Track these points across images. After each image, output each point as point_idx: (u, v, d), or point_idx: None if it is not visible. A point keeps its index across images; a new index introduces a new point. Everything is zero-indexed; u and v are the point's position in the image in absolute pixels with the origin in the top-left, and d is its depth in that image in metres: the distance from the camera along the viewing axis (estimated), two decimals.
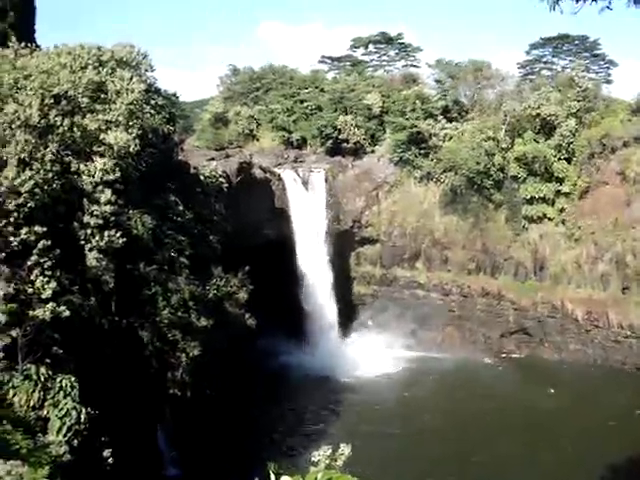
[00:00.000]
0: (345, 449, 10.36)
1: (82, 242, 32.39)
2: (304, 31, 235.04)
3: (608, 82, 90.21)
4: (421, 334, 75.97)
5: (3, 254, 28.05)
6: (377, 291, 78.88)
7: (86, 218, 32.66)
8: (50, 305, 27.69)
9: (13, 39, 37.57)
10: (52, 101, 32.95)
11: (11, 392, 26.44)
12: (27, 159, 30.05)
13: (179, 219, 42.86)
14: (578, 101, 76.55)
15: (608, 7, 14.07)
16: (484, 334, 75.50)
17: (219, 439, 50.18)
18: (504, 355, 74.42)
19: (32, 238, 28.30)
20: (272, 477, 8.14)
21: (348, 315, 76.86)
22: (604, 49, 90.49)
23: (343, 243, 76.70)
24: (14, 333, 26.66)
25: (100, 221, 32.83)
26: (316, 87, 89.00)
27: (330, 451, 10.21)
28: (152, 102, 44.69)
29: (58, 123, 32.43)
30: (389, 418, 58.31)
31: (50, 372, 27.38)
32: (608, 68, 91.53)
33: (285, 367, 66.67)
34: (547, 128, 76.31)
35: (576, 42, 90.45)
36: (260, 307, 49.83)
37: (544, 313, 73.29)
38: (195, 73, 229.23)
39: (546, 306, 73.18)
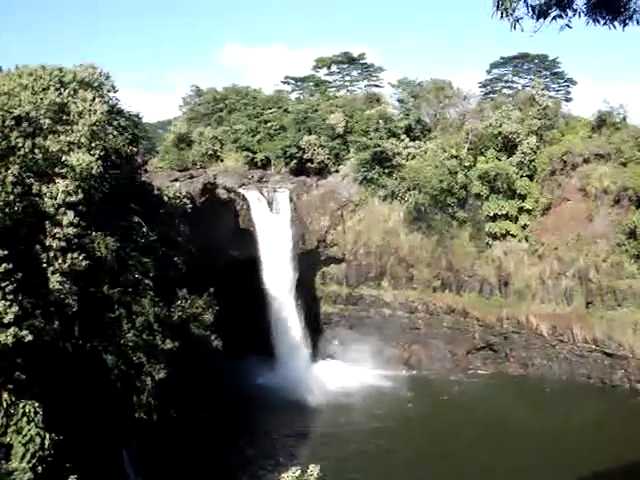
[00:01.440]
0: (314, 470, 10.29)
1: (44, 265, 31.96)
2: (268, 52, 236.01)
3: (568, 100, 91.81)
4: (388, 352, 76.00)
5: None
6: (343, 310, 78.84)
7: (48, 241, 32.27)
8: (12, 329, 27.25)
9: None
10: (13, 122, 32.67)
11: None
12: None
13: (143, 241, 42.49)
14: (539, 119, 77.65)
15: (568, 25, 14.31)
16: (450, 351, 75.78)
17: (186, 463, 49.58)
18: (471, 371, 74.71)
19: None
20: None
21: (315, 335, 76.71)
22: (563, 67, 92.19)
23: (309, 263, 76.63)
24: None
25: (63, 243, 32.45)
26: (280, 107, 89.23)
27: (299, 472, 10.14)
28: (115, 123, 44.39)
29: (19, 145, 32.11)
30: (358, 437, 58.15)
31: (13, 398, 26.92)
32: (567, 86, 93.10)
33: (253, 388, 66.18)
34: (509, 146, 77.28)
35: (536, 61, 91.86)
36: (227, 328, 49.49)
37: (509, 329, 73.78)
38: (159, 95, 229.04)
39: (511, 322, 73.70)
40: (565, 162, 74.08)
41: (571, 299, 71.56)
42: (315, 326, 77.11)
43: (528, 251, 74.87)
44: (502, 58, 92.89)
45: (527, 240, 75.18)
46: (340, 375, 71.11)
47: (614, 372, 68.50)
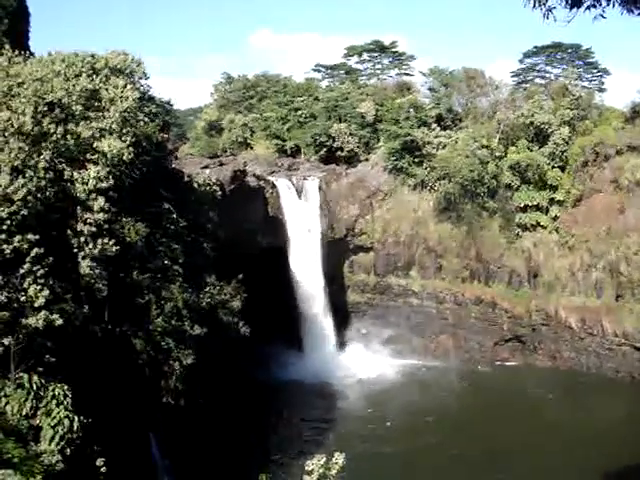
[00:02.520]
0: (339, 458, 10.30)
1: (75, 250, 32.26)
2: (298, 40, 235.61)
3: (601, 90, 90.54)
4: (415, 342, 75.89)
5: None
6: (371, 299, 78.75)
7: (79, 226, 32.55)
8: (43, 313, 27.55)
9: (7, 46, 37.47)
10: (46, 109, 32.87)
11: (3, 401, 26.30)
12: (20, 167, 29.93)
13: (173, 227, 42.71)
14: (571, 109, 76.75)
15: (602, 15, 14.09)
16: (478, 342, 75.44)
17: (212, 448, 49.91)
18: (498, 363, 74.35)
19: (25, 246, 28.16)
20: None
21: (342, 323, 76.77)
22: (597, 57, 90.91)
23: (337, 251, 76.63)
24: (6, 341, 26.52)
25: (93, 229, 32.72)
26: (310, 95, 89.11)
27: (324, 460, 10.14)
28: (146, 110, 44.60)
29: (52, 131, 32.34)
30: (383, 425, 58.21)
31: (43, 381, 27.24)
32: (601, 76, 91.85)
33: (280, 375, 66.44)
34: (541, 136, 76.52)
35: (569, 51, 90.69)
36: (254, 315, 49.69)
37: (538, 321, 73.28)
38: (189, 81, 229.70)
39: (540, 314, 73.19)
40: (597, 153, 73.20)
41: (601, 292, 70.89)
42: (342, 315, 77.14)
43: (558, 243, 74.20)
44: (535, 47, 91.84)
45: (557, 232, 74.49)
46: (367, 364, 71.12)
47: None
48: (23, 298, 27.82)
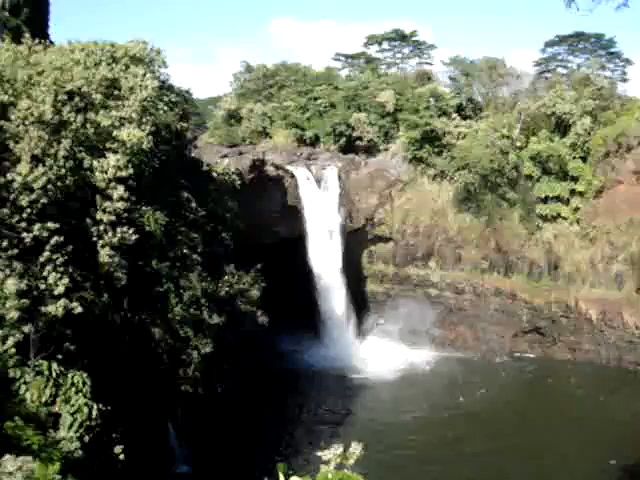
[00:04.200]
0: (356, 448, 10.21)
1: (95, 238, 32.42)
2: (317, 28, 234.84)
3: (624, 80, 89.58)
4: (434, 333, 75.71)
5: (16, 250, 28.07)
6: (390, 289, 78.55)
7: (99, 214, 32.69)
8: (62, 301, 27.73)
9: (27, 35, 37.64)
10: (65, 97, 33.00)
11: (23, 388, 26.47)
12: (40, 155, 30.09)
13: (192, 216, 42.82)
14: (593, 99, 75.99)
15: (625, 4, 13.90)
16: (497, 333, 75.09)
17: (230, 437, 50.16)
18: (517, 354, 74.02)
19: (45, 234, 28.33)
20: (281, 478, 8.00)
21: (360, 313, 76.72)
22: (620, 47, 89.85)
23: (356, 241, 76.48)
24: (26, 329, 26.68)
25: (113, 217, 32.85)
26: (330, 84, 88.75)
27: (341, 450, 10.07)
28: (165, 99, 44.64)
29: (71, 119, 32.46)
30: (401, 416, 58.18)
31: (62, 368, 27.41)
32: (624, 66, 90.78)
33: (298, 364, 66.62)
34: (562, 126, 75.86)
35: (592, 40, 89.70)
36: (273, 304, 49.74)
37: (558, 313, 72.81)
38: (208, 69, 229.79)
39: (560, 306, 72.71)
40: (620, 144, 72.40)
41: (622, 284, 70.28)
42: (361, 305, 77.07)
43: (579, 234, 73.60)
44: (557, 37, 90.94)
45: (578, 223, 73.87)
46: (385, 354, 71.05)
47: None
48: (43, 286, 28.00)
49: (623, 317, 69.19)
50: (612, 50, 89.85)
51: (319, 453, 10.10)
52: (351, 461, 10.10)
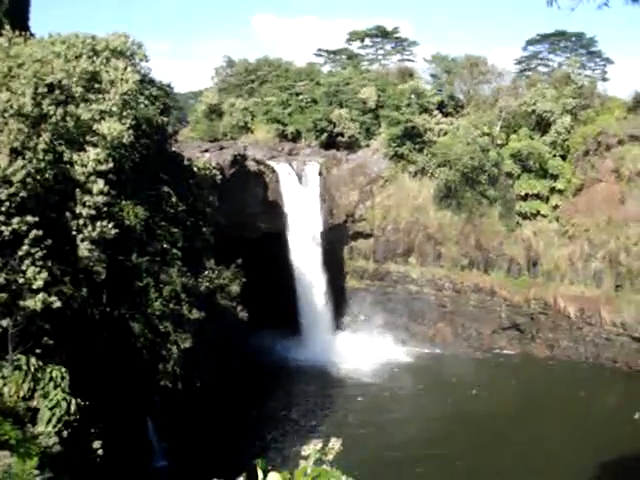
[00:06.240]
0: (335, 443, 10.23)
1: (74, 232, 32.20)
2: (299, 23, 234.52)
3: (604, 79, 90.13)
4: (413, 329, 76.03)
5: None
6: (370, 285, 78.74)
7: (78, 208, 32.47)
8: (41, 295, 27.56)
9: (7, 27, 37.28)
10: (45, 90, 32.76)
11: (1, 382, 26.32)
12: (19, 148, 29.86)
13: (172, 210, 42.69)
14: (574, 98, 76.53)
15: (606, 4, 14.01)
16: (476, 330, 75.52)
17: (209, 432, 50.12)
18: (496, 351, 74.46)
19: (23, 228, 28.13)
20: (259, 473, 8.00)
21: (341, 309, 76.88)
22: (600, 46, 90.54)
23: (336, 237, 76.58)
24: (4, 323, 26.54)
25: (92, 211, 32.64)
26: (312, 80, 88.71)
27: (320, 445, 10.08)
28: (146, 92, 44.48)
29: (51, 112, 32.24)
30: (378, 411, 58.36)
31: (40, 363, 27.28)
32: (604, 65, 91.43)
33: (278, 360, 66.66)
34: (542, 125, 76.36)
35: (573, 39, 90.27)
36: (253, 300, 49.74)
37: (536, 310, 73.33)
38: (189, 65, 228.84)
39: (539, 303, 73.23)
40: (599, 143, 72.97)
41: (600, 282, 70.85)
42: (341, 301, 77.20)
43: (558, 232, 74.12)
44: (538, 35, 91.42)
45: (557, 221, 74.40)
46: (365, 350, 71.19)
47: None
48: (21, 280, 27.81)
49: (601, 314, 69.78)
50: (592, 49, 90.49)
51: (298, 448, 10.13)
52: (330, 457, 10.12)
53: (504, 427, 55.83)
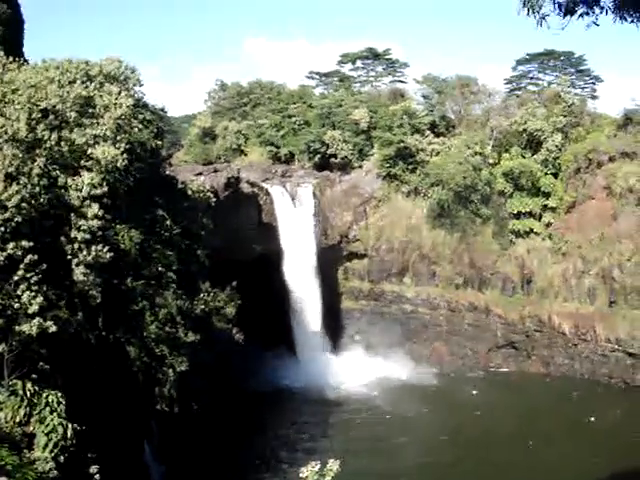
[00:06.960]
0: (334, 465, 10.32)
1: (69, 257, 32.17)
2: (290, 47, 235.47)
3: (593, 97, 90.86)
4: (409, 349, 75.95)
5: None
6: (365, 306, 78.79)
7: (73, 233, 32.47)
8: (37, 320, 27.48)
9: (1, 53, 37.46)
10: (40, 115, 32.86)
11: None
12: (14, 173, 29.89)
13: (167, 234, 42.73)
14: (564, 116, 77.11)
15: (595, 23, 14.19)
16: (472, 348, 75.54)
17: (206, 455, 49.88)
18: (492, 369, 74.44)
19: (19, 253, 28.10)
20: None
21: (336, 330, 76.81)
22: (589, 65, 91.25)
23: (331, 258, 76.67)
24: (0, 348, 26.47)
25: (87, 236, 32.62)
26: (304, 102, 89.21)
27: (318, 467, 10.17)
28: (140, 117, 44.60)
29: (46, 137, 32.32)
30: (378, 432, 58.18)
31: (36, 388, 27.16)
32: (593, 84, 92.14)
33: (274, 381, 66.43)
34: (534, 143, 76.85)
35: (562, 58, 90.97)
36: (249, 322, 49.74)
37: (531, 327, 73.42)
38: (183, 88, 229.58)
39: (533, 320, 73.33)
40: (590, 160, 73.47)
41: (594, 298, 71.05)
42: (336, 321, 77.17)
43: (551, 249, 74.39)
44: (528, 55, 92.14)
45: (551, 238, 74.69)
46: (360, 371, 71.06)
47: (636, 372, 68.01)
48: (17, 305, 27.73)
49: (596, 331, 69.92)
50: (581, 68, 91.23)
51: (296, 469, 10.21)
52: (328, 478, 10.20)
53: (503, 444, 55.65)
